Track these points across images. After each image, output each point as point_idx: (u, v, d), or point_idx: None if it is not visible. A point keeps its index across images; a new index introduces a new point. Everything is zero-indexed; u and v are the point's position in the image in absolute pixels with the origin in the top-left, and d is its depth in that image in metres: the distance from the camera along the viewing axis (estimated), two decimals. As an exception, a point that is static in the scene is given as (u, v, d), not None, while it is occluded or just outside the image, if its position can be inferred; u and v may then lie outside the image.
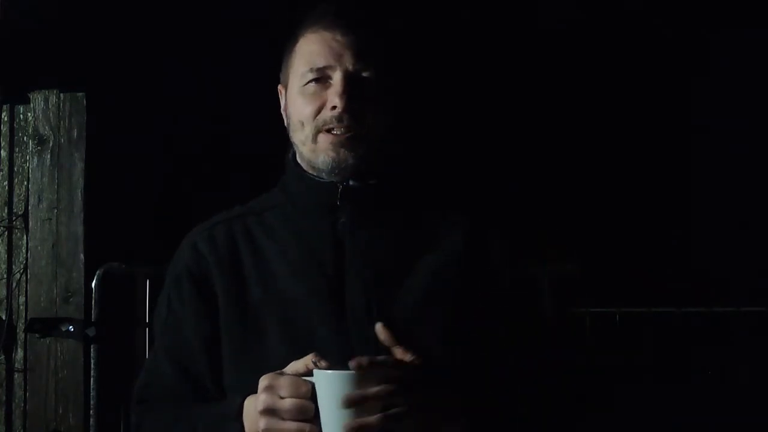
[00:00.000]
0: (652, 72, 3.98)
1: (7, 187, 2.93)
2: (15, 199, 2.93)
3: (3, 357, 2.87)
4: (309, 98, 1.41)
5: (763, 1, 3.56)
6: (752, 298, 3.18)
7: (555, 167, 3.89)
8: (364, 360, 1.16)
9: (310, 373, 1.20)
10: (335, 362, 1.23)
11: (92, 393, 2.76)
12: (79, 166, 2.90)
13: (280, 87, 1.51)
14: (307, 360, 1.21)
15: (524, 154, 3.87)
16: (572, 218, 3.71)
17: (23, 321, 2.87)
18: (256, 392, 1.30)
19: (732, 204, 3.76)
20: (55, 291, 2.86)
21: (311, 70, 1.41)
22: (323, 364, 1.19)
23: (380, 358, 1.20)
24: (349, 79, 1.39)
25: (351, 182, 1.41)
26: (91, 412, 2.76)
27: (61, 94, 2.94)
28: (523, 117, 3.91)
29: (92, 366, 2.77)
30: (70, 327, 2.79)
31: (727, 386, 3.21)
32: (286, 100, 1.49)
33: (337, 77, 1.39)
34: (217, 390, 1.40)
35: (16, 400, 2.87)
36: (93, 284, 2.78)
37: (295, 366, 1.22)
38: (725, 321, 3.19)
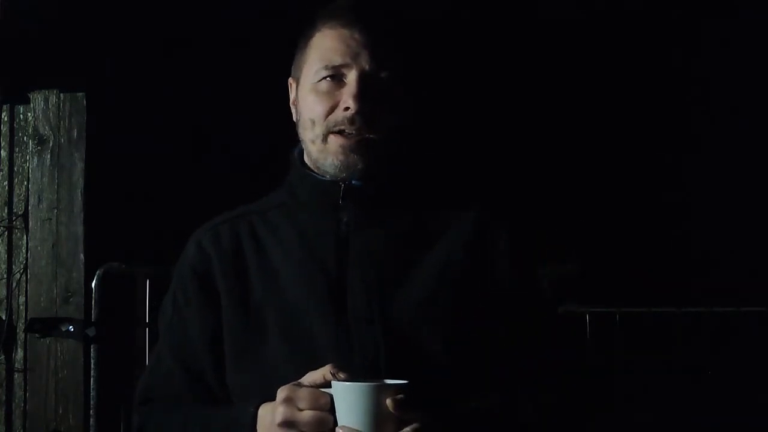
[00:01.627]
0: (653, 72, 3.98)
1: (7, 187, 2.93)
2: (15, 199, 2.93)
3: (3, 357, 2.87)
4: (322, 96, 1.38)
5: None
6: (752, 298, 3.18)
7: (555, 167, 3.89)
8: (341, 375, 1.18)
9: (327, 384, 1.19)
10: (332, 360, 1.23)
11: (92, 393, 2.76)
12: (79, 166, 2.90)
13: (290, 80, 1.48)
14: (325, 371, 1.20)
15: (524, 154, 3.87)
16: (572, 218, 3.71)
17: (23, 321, 2.87)
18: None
19: (732, 204, 3.76)
20: (55, 291, 2.86)
21: (326, 67, 1.38)
22: (342, 375, 1.19)
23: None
24: (364, 79, 1.36)
25: (354, 181, 1.39)
26: (91, 412, 2.76)
27: (61, 94, 2.94)
28: (524, 117, 3.91)
29: (92, 366, 2.77)
30: (70, 327, 2.79)
31: (727, 386, 3.21)
32: (296, 94, 1.46)
33: (352, 77, 1.36)
34: (221, 389, 1.39)
35: (16, 400, 2.87)
36: (93, 284, 2.78)
37: (313, 377, 1.21)
38: (725, 321, 3.19)
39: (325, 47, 1.39)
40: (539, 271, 1.50)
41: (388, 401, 1.15)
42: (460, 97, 3.83)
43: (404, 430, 1.16)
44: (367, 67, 1.37)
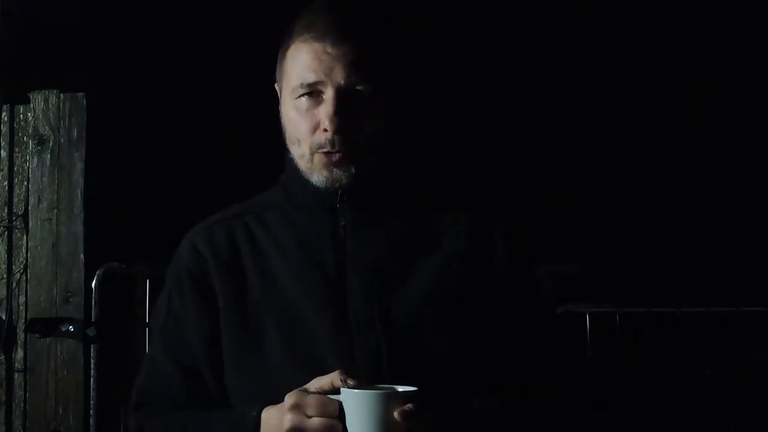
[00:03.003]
0: (654, 72, 3.98)
1: (7, 187, 2.93)
2: (15, 199, 2.93)
3: (3, 357, 2.87)
4: (303, 115, 1.37)
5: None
6: (752, 298, 3.18)
7: (555, 167, 3.89)
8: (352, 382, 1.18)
9: (335, 391, 1.19)
10: (335, 364, 1.23)
11: (92, 393, 2.76)
12: (79, 166, 2.90)
13: (276, 86, 1.47)
14: (334, 377, 1.20)
15: (524, 153, 3.87)
16: (572, 218, 3.71)
17: (23, 321, 2.87)
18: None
19: (732, 204, 3.75)
20: (55, 291, 2.86)
21: (302, 85, 1.36)
22: (351, 382, 1.18)
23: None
24: (340, 95, 1.34)
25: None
26: (91, 412, 2.76)
27: (61, 94, 2.94)
28: (524, 116, 3.90)
29: (92, 366, 2.78)
30: (70, 327, 2.79)
31: (727, 386, 3.21)
32: (281, 103, 1.44)
33: (328, 94, 1.34)
34: (219, 391, 1.39)
35: (16, 400, 2.87)
36: (93, 284, 2.79)
37: (320, 383, 1.21)
38: (725, 321, 3.19)
39: (299, 62, 1.37)
40: (538, 270, 1.50)
41: (397, 412, 1.15)
42: (460, 97, 3.83)
43: None
44: (342, 82, 1.34)
